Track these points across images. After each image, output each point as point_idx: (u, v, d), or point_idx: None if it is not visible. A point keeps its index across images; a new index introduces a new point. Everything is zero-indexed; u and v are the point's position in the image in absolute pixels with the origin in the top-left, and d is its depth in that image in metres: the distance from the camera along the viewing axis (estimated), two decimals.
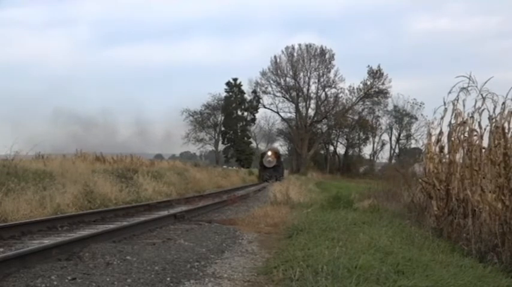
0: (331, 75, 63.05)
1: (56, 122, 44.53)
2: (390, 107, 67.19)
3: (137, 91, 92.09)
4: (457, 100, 8.84)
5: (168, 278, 5.78)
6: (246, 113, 65.73)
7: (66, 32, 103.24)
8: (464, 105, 8.74)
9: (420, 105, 65.18)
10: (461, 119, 8.82)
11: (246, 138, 64.81)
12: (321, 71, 63.20)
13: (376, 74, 63.05)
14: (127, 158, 26.93)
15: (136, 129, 52.50)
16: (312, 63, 62.98)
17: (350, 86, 63.76)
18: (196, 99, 64.95)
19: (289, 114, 66.14)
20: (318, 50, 62.56)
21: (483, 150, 7.97)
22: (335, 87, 63.37)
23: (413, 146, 65.84)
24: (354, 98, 64.25)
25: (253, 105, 65.59)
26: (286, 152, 71.13)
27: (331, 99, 64.07)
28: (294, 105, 64.74)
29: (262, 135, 65.06)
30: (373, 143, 69.80)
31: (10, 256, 5.99)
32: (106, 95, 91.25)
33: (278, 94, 64.37)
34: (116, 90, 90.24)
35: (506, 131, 7.29)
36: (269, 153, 50.06)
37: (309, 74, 63.33)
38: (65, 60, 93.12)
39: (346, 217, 10.82)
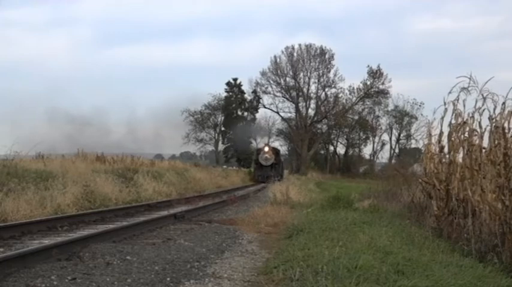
0: (331, 75, 63.03)
1: (53, 122, 44.18)
2: (390, 107, 67.24)
3: (136, 91, 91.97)
4: (457, 100, 8.84)
5: (168, 278, 5.78)
6: (246, 113, 65.72)
7: (66, 32, 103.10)
8: (464, 106, 8.75)
9: (420, 105, 65.21)
10: (461, 119, 8.82)
11: (246, 138, 64.76)
12: (321, 71, 63.18)
13: (376, 74, 63.02)
14: (127, 158, 26.91)
15: (129, 129, 51.68)
16: (311, 63, 62.93)
17: (350, 86, 63.76)
18: (196, 99, 64.59)
19: (289, 114, 66.13)
20: (318, 50, 62.51)
21: (483, 150, 7.97)
22: (335, 87, 63.36)
23: (413, 146, 65.87)
24: (354, 98, 64.26)
25: (253, 105, 65.58)
26: (286, 152, 71.07)
27: (331, 99, 64.02)
28: (294, 105, 64.70)
29: (262, 134, 64.43)
30: (373, 143, 69.82)
31: (10, 256, 6.00)
32: (104, 95, 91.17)
33: (278, 94, 64.35)
34: (115, 90, 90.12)
35: (506, 131, 7.28)
36: (266, 149, 43.30)
37: (309, 74, 63.31)
38: (65, 61, 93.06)
39: (346, 217, 10.82)
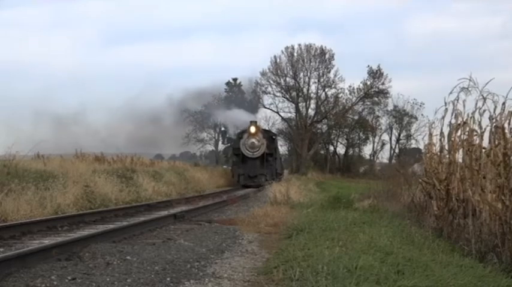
0: (331, 75, 62.92)
1: (39, 123, 43.65)
2: (390, 107, 67.24)
3: (135, 91, 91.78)
4: (458, 100, 8.84)
5: (168, 278, 5.78)
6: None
7: (66, 33, 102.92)
8: (464, 106, 8.74)
9: (420, 106, 65.24)
10: (461, 119, 8.82)
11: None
12: (321, 71, 63.10)
13: (376, 74, 62.95)
14: (126, 158, 26.91)
15: (110, 128, 50.56)
16: (312, 63, 62.86)
17: (350, 86, 63.68)
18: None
19: (289, 114, 66.05)
20: (318, 50, 62.47)
21: (483, 150, 7.97)
22: (335, 88, 63.35)
23: (413, 146, 65.87)
24: (354, 98, 64.23)
25: (253, 106, 65.54)
26: (286, 152, 71.08)
27: (331, 99, 64.03)
28: (294, 105, 64.66)
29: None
30: (373, 143, 69.78)
31: (10, 256, 6.00)
32: (103, 96, 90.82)
33: (278, 94, 64.23)
34: (111, 91, 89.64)
35: (507, 131, 7.28)
36: (252, 129, 26.83)
37: (309, 74, 63.25)
38: (64, 62, 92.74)
39: (346, 217, 10.82)
